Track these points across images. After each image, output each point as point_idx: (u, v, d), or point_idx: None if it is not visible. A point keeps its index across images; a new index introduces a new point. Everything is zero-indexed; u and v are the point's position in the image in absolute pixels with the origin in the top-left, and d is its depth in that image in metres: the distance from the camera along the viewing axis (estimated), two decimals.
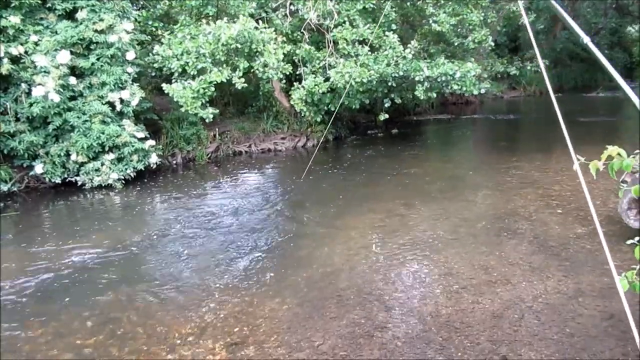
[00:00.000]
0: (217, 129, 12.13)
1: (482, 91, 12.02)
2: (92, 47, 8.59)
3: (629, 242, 2.55)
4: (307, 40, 10.36)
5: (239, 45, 9.03)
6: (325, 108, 11.67)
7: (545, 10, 23.37)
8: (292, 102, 10.39)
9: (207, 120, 9.74)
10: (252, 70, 9.67)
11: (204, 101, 9.29)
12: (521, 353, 3.34)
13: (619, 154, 2.83)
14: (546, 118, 17.64)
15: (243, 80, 9.30)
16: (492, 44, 11.52)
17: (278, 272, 4.97)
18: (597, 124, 15.54)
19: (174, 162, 11.03)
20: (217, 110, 10.03)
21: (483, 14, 11.45)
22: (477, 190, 7.81)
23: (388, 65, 10.27)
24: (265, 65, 9.31)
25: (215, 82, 9.22)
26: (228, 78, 9.18)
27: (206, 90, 9.07)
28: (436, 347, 3.47)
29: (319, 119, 11.88)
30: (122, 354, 3.56)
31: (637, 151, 2.87)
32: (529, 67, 13.33)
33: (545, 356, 3.30)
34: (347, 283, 4.59)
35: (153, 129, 10.69)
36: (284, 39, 9.87)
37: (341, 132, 13.97)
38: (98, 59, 8.59)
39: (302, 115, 11.77)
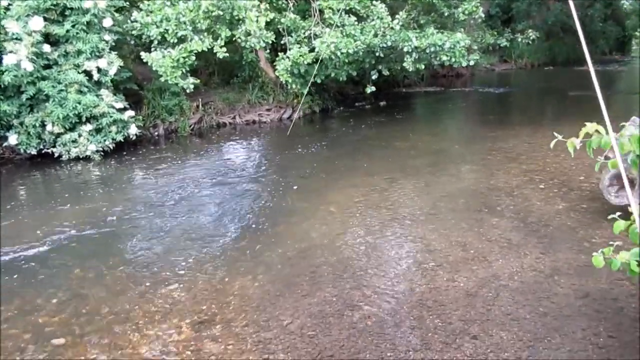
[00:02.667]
0: (200, 100, 11.87)
1: (472, 63, 11.80)
2: (66, 13, 8.27)
3: (610, 216, 2.46)
4: (292, 8, 10.05)
5: (221, 12, 8.73)
6: (312, 79, 11.43)
7: None
8: (277, 74, 10.14)
9: (187, 91, 9.49)
10: (234, 39, 9.37)
11: (184, 71, 9.04)
12: (492, 333, 3.28)
13: (597, 131, 2.70)
14: (536, 91, 17.53)
15: (225, 49, 9.02)
16: (483, 15, 11.27)
17: (252, 248, 4.87)
18: (586, 97, 15.38)
19: (156, 133, 10.81)
20: (199, 80, 9.77)
21: None
22: (461, 164, 7.70)
23: (375, 35, 10.02)
24: (247, 34, 9.03)
25: (196, 51, 8.94)
26: (210, 47, 8.90)
27: (187, 59, 8.81)
28: (407, 327, 3.40)
29: (305, 91, 11.65)
30: (85, 332, 3.46)
31: (623, 124, 2.74)
32: (519, 39, 13.06)
33: (516, 336, 3.24)
34: (322, 259, 4.49)
35: (134, 100, 10.41)
36: (267, 6, 9.55)
37: (328, 103, 13.77)
38: (73, 26, 8.27)
39: (288, 86, 11.54)
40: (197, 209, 6.12)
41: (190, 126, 11.23)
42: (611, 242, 2.38)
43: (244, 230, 5.39)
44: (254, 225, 5.51)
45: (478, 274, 4.09)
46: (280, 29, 10.25)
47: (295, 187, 6.84)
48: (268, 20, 9.19)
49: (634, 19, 39.33)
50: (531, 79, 21.05)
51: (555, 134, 2.77)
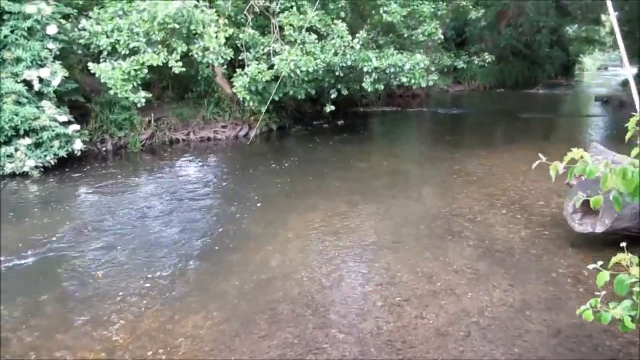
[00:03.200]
0: (152, 115, 11.34)
1: (431, 83, 11.87)
2: (5, 17, 7.66)
3: (591, 266, 2.26)
4: (251, 24, 9.76)
5: (177, 26, 8.33)
6: (270, 97, 11.15)
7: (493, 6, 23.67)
8: (234, 90, 9.78)
9: (139, 105, 8.98)
10: (190, 54, 8.97)
11: (135, 84, 8.54)
12: None
13: (582, 157, 2.53)
14: (489, 113, 17.89)
15: (180, 64, 8.61)
16: (442, 36, 11.34)
17: (206, 279, 4.49)
18: (536, 120, 15.84)
19: (103, 149, 10.21)
20: (151, 95, 9.29)
21: (434, 6, 11.23)
22: (421, 187, 7.58)
23: (335, 54, 9.86)
24: (205, 49, 8.66)
25: (149, 65, 8.48)
26: (164, 61, 8.46)
27: (138, 72, 8.33)
28: None
29: (263, 109, 11.34)
30: None
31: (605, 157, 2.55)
32: (476, 62, 13.28)
33: None
34: (282, 293, 4.17)
35: (80, 113, 9.82)
36: (226, 21, 9.23)
37: (286, 121, 13.49)
38: (12, 31, 7.69)
39: (245, 103, 11.21)
40: (145, 233, 5.67)
41: (141, 142, 10.68)
42: (596, 293, 2.17)
43: (197, 258, 4.99)
44: (208, 253, 5.13)
45: (447, 309, 3.88)
46: (239, 45, 9.93)
47: (252, 210, 6.50)
48: (227, 36, 8.85)
49: (577, 45, 41.44)
50: (484, 101, 21.54)
51: (540, 155, 2.57)
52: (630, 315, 1.96)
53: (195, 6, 8.38)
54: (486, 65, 13.15)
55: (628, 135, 2.20)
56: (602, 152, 5.58)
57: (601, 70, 48.39)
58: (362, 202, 6.74)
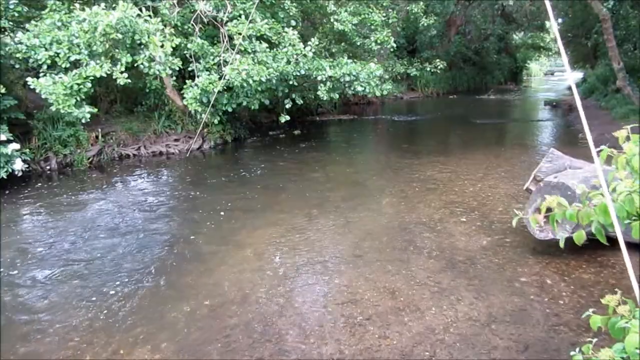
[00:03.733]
0: (100, 130, 10.84)
1: (385, 93, 11.87)
2: None
3: (584, 315, 2.06)
4: (198, 33, 9.45)
5: (120, 36, 7.94)
6: (223, 108, 10.86)
7: (442, 14, 24.11)
8: (185, 102, 9.43)
9: (83, 120, 8.50)
10: (135, 65, 8.58)
11: (79, 98, 8.08)
12: None
13: (559, 204, 2.40)
14: (444, 119, 18.10)
15: (126, 75, 8.21)
16: (394, 45, 11.35)
17: (156, 306, 4.17)
18: (490, 125, 16.12)
19: (47, 167, 9.65)
20: (96, 109, 8.83)
21: (384, 15, 11.23)
22: (380, 197, 7.44)
23: (288, 63, 9.68)
24: (151, 60, 8.29)
25: (93, 77, 8.05)
26: (108, 72, 8.04)
27: (82, 86, 7.88)
28: None
29: (216, 121, 11.03)
30: None
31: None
32: (428, 69, 13.39)
33: None
34: (237, 319, 3.90)
35: (22, 130, 9.30)
36: (172, 30, 8.89)
37: (241, 133, 13.21)
38: None
39: (197, 115, 10.88)
40: (89, 257, 5.28)
41: (88, 159, 10.17)
42: (589, 339, 1.98)
43: (147, 282, 4.66)
44: (158, 277, 4.79)
45: (411, 327, 3.71)
46: (188, 55, 9.60)
47: (207, 227, 6.19)
48: (174, 45, 8.51)
49: (524, 51, 42.95)
50: (438, 107, 21.82)
51: (516, 211, 2.44)
52: (622, 358, 1.80)
53: (138, 15, 8.01)
54: (438, 71, 13.29)
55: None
56: (559, 158, 5.59)
57: (548, 76, 50.23)
58: (322, 215, 6.54)
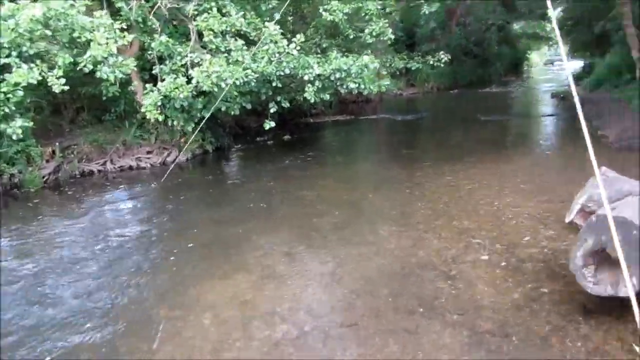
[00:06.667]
0: (58, 144, 9.51)
1: (383, 89, 10.57)
2: None
3: None
4: (158, 30, 8.07)
5: (48, 32, 6.56)
6: (198, 115, 9.55)
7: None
8: (143, 109, 8.10)
9: (14, 137, 7.13)
10: (77, 67, 7.19)
11: (8, 110, 6.71)
12: None
13: None
14: (447, 117, 16.81)
15: (63, 81, 6.85)
16: (392, 36, 10.01)
17: None
18: (497, 123, 14.82)
19: None
20: (31, 123, 7.41)
21: (381, 3, 9.89)
22: (379, 224, 6.11)
23: (270, 62, 8.34)
24: (96, 62, 6.94)
25: (25, 84, 6.70)
26: (40, 78, 6.69)
27: (10, 95, 6.53)
28: None
29: (190, 128, 9.71)
30: None
31: None
32: (431, 62, 12.08)
33: None
34: None
35: None
36: (124, 25, 7.53)
37: (223, 141, 11.88)
38: None
39: (169, 123, 9.58)
40: (11, 307, 3.98)
41: (43, 178, 8.86)
42: None
43: None
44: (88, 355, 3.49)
45: None
46: (151, 56, 8.27)
47: (159, 279, 4.87)
48: (126, 43, 7.16)
49: (525, 41, 41.61)
50: (440, 104, 20.53)
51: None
52: None
53: (72, 6, 6.62)
54: (442, 64, 11.96)
55: None
56: (616, 181, 4.26)
57: (548, 65, 49.01)
58: (306, 254, 5.23)
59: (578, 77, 23.65)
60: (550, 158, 9.35)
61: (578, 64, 28.57)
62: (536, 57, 48.96)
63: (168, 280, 4.79)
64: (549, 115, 15.84)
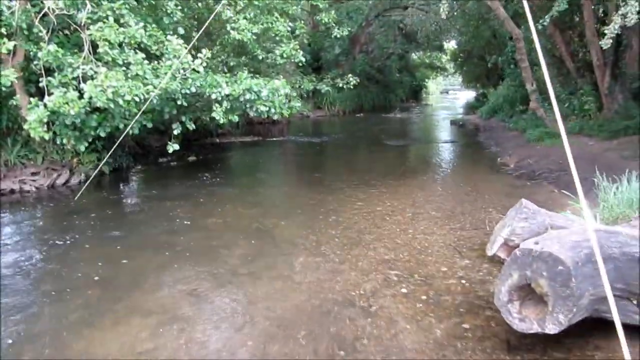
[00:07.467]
0: None
1: (294, 111, 10.31)
2: None
3: None
4: (46, 38, 7.20)
5: None
6: (92, 133, 8.66)
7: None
8: (26, 126, 7.13)
9: None
10: None
11: None
12: None
13: None
14: (355, 141, 16.93)
15: None
16: (303, 59, 9.81)
17: None
18: (403, 148, 15.19)
19: None
20: None
21: (291, 25, 9.68)
22: (292, 254, 5.74)
23: (174, 78, 7.75)
24: None
25: None
26: None
27: None
28: None
29: (82, 147, 8.77)
30: None
31: None
32: (341, 85, 12.05)
33: None
34: None
35: None
36: (3, 30, 6.61)
37: (122, 161, 10.94)
38: None
39: (58, 141, 8.59)
40: None
41: None
42: None
43: None
44: None
45: None
46: (38, 67, 7.34)
47: (36, 331, 4.09)
48: (6, 50, 6.26)
49: (423, 70, 44.16)
50: (346, 127, 20.75)
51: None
52: None
53: None
54: (351, 87, 11.98)
55: None
56: (536, 214, 4.24)
57: (443, 94, 52.36)
58: (212, 292, 4.70)
59: (473, 106, 25.28)
60: (457, 183, 9.57)
61: (471, 94, 30.60)
62: (433, 86, 52.09)
63: (47, 332, 4.03)
64: (450, 142, 16.53)
